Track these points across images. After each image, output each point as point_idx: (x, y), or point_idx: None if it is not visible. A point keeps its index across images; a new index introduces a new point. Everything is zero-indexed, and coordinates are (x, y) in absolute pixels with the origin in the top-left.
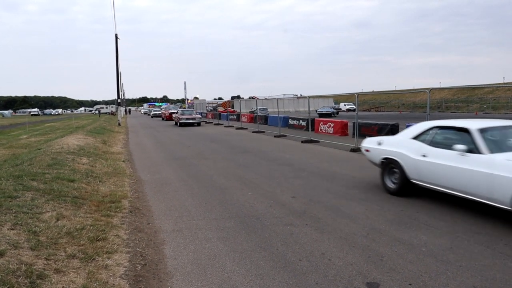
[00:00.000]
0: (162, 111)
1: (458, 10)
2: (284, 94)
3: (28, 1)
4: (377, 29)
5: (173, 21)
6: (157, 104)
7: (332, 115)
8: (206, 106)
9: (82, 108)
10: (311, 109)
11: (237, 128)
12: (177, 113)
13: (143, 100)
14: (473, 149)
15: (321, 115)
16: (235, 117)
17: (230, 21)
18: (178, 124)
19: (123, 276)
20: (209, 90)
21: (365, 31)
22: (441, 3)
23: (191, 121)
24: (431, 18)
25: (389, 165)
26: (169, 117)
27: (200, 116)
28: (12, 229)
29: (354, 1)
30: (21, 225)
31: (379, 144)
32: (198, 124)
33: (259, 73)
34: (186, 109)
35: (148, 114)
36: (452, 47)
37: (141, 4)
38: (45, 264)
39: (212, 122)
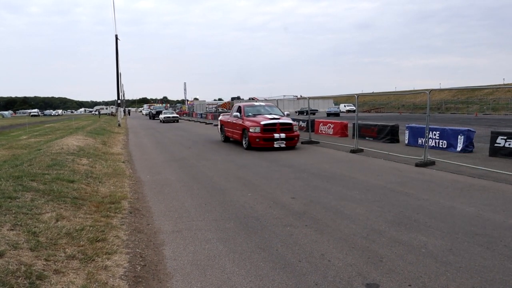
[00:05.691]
0: (222, 118)
1: (459, 12)
2: (284, 95)
3: (31, 2)
4: (379, 30)
5: (175, 22)
6: (156, 105)
7: (339, 114)
8: (206, 107)
9: (82, 109)
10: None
11: None
12: None
13: (143, 101)
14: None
15: (329, 114)
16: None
17: (232, 22)
18: None
19: (122, 277)
20: (210, 91)
21: (367, 32)
22: (442, 4)
23: None
24: (432, 20)
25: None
26: (258, 142)
27: None
28: (12, 229)
29: (356, 3)
30: (20, 225)
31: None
32: None
33: (260, 74)
34: None
35: (152, 117)
36: (453, 48)
37: (144, 6)
38: (44, 264)
39: (212, 123)
